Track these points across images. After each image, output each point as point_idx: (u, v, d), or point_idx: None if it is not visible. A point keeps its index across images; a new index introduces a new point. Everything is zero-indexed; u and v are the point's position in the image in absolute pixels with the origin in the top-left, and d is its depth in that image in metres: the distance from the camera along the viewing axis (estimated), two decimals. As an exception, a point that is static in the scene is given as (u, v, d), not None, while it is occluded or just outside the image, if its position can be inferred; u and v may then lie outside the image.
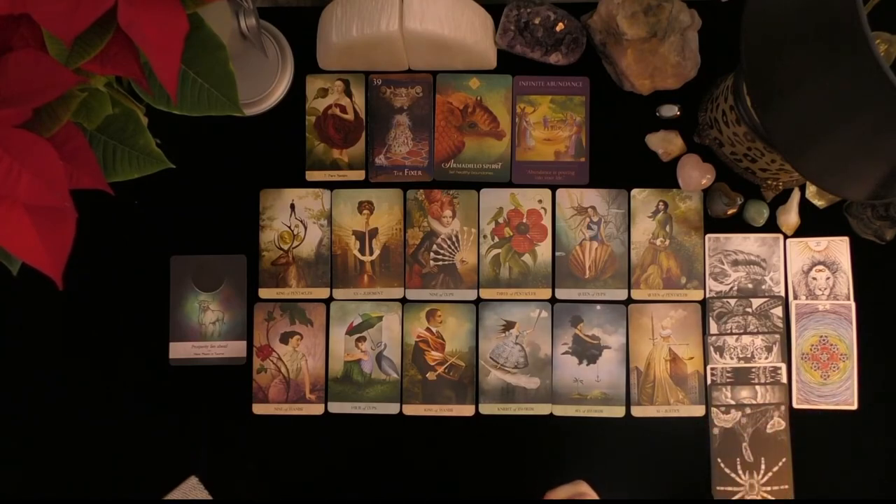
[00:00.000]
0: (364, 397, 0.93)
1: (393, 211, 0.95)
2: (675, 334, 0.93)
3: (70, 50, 0.59)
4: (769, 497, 0.91)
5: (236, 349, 0.94)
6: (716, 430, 0.92)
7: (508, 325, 0.94)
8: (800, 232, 0.94)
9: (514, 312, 0.94)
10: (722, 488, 0.92)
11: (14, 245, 0.59)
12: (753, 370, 0.93)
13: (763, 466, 0.91)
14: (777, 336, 0.93)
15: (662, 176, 0.95)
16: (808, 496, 0.91)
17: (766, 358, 0.93)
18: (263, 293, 0.95)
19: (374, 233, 0.95)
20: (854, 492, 0.91)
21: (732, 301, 0.93)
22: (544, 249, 0.95)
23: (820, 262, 0.93)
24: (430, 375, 0.94)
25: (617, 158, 0.95)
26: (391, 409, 0.93)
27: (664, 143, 0.94)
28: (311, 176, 0.96)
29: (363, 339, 0.94)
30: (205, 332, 0.94)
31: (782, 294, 0.93)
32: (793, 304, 0.93)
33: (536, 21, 0.93)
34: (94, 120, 0.65)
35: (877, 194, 0.70)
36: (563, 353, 0.93)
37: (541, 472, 0.93)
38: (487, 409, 0.93)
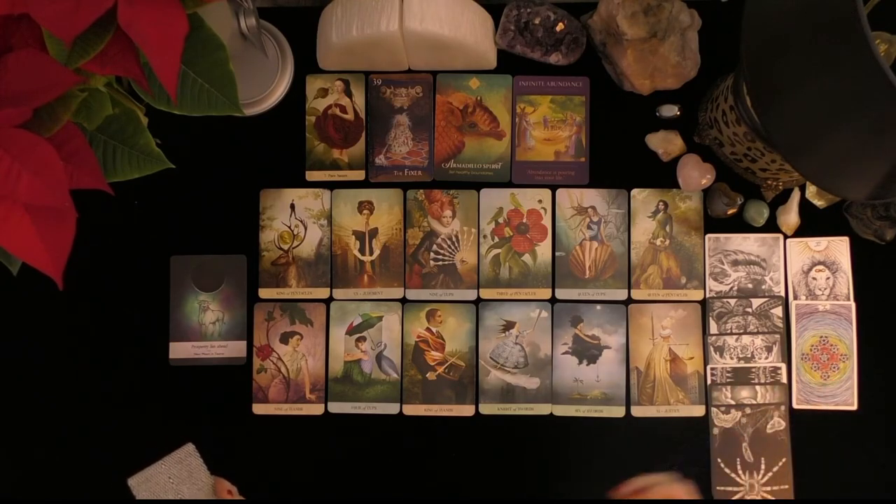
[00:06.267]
0: (364, 397, 0.93)
1: (393, 211, 0.95)
2: (675, 334, 0.93)
3: (70, 50, 0.59)
4: (769, 497, 0.91)
5: (236, 349, 0.94)
6: (716, 430, 0.92)
7: (508, 325, 0.94)
8: (800, 232, 0.94)
9: (514, 312, 0.94)
10: (722, 488, 0.92)
11: (14, 245, 0.59)
12: (753, 370, 0.93)
13: (763, 466, 0.91)
14: (777, 336, 0.93)
15: (662, 176, 0.95)
16: (808, 496, 0.91)
17: (766, 358, 0.93)
18: (263, 293, 0.95)
19: (374, 233, 0.95)
20: (854, 492, 0.91)
21: (732, 301, 0.93)
22: (544, 249, 0.95)
23: (820, 262, 0.93)
24: (430, 375, 0.94)
25: (617, 158, 0.95)
26: (391, 409, 0.93)
27: (664, 143, 0.94)
28: (311, 176, 0.96)
29: (363, 339, 0.94)
30: (205, 332, 0.94)
31: (782, 294, 0.93)
32: (793, 304, 0.93)
33: (536, 21, 0.93)
34: (94, 120, 0.65)
35: (877, 194, 0.70)
36: (563, 353, 0.93)
37: (541, 472, 0.93)
38: (487, 409, 0.93)
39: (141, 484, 0.76)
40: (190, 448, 0.76)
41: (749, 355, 0.93)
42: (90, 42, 0.59)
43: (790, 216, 0.93)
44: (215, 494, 0.77)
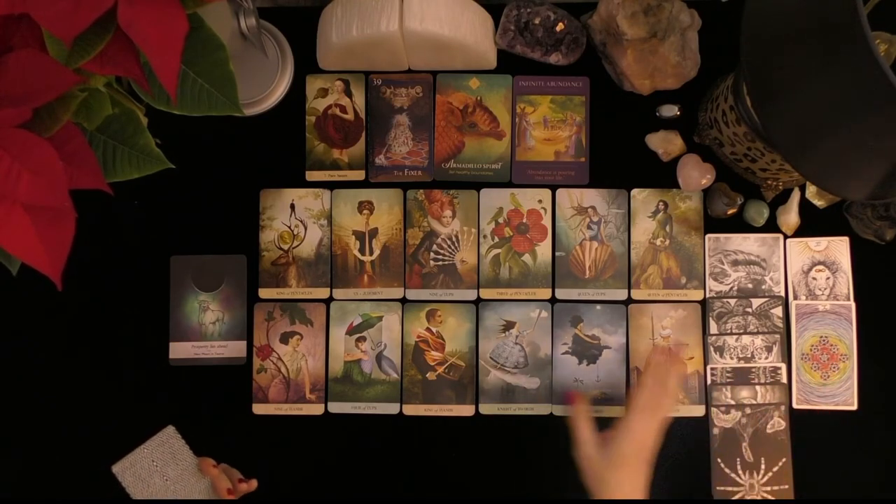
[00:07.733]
0: (364, 397, 0.93)
1: (393, 211, 0.95)
2: (675, 334, 0.93)
3: (70, 50, 0.59)
4: (769, 497, 0.91)
5: (236, 349, 0.94)
6: (716, 430, 0.92)
7: (508, 325, 0.94)
8: (800, 232, 0.94)
9: (514, 312, 0.94)
10: (722, 488, 0.92)
11: (14, 245, 0.59)
12: (753, 370, 0.93)
13: (763, 466, 0.91)
14: (777, 336, 0.93)
15: (662, 176, 0.95)
16: (808, 496, 0.91)
17: (766, 358, 0.93)
18: (263, 293, 0.95)
19: (374, 233, 0.95)
20: (854, 492, 0.91)
21: (732, 301, 0.93)
22: (544, 249, 0.95)
23: (820, 262, 0.93)
24: (430, 375, 0.94)
25: (617, 158, 0.95)
26: (391, 409, 0.93)
27: (664, 143, 0.94)
28: (311, 176, 0.96)
29: (363, 339, 0.94)
30: (205, 332, 0.94)
31: (782, 294, 0.93)
32: (793, 304, 0.93)
33: (536, 21, 0.93)
34: (94, 120, 0.65)
35: (877, 194, 0.70)
36: (563, 353, 0.93)
37: (541, 472, 0.93)
38: (487, 409, 0.93)
39: (126, 469, 0.76)
40: (171, 430, 0.77)
41: (749, 355, 0.93)
42: (90, 42, 0.59)
43: (790, 216, 0.93)
44: (201, 472, 0.78)
